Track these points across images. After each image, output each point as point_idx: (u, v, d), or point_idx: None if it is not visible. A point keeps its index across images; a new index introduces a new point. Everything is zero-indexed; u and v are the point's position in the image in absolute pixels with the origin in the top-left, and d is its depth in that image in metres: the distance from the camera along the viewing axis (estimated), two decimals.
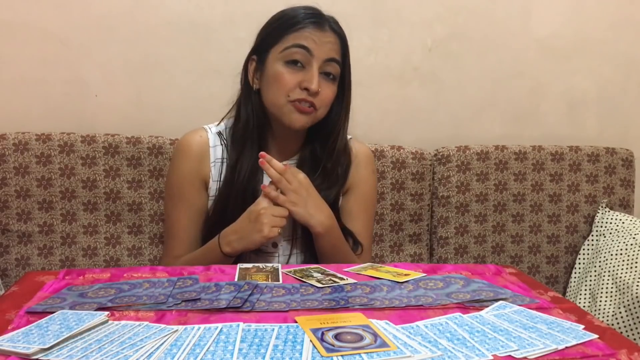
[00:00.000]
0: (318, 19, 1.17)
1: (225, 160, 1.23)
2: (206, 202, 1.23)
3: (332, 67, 1.17)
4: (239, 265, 1.03)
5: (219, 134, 1.25)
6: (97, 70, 1.56)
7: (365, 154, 1.31)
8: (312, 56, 1.14)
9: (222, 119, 1.27)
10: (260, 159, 1.14)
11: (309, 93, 1.13)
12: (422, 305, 0.86)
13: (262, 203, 1.12)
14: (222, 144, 1.24)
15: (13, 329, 0.74)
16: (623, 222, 1.59)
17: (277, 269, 1.02)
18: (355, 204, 1.27)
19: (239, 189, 1.18)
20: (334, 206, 1.24)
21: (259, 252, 1.21)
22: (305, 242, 1.22)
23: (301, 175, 1.15)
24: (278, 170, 1.13)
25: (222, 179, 1.22)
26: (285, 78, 1.14)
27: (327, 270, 1.02)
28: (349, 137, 1.30)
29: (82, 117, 1.57)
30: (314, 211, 1.14)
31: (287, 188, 1.12)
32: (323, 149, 1.23)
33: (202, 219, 1.23)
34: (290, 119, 1.15)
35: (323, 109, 1.18)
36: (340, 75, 1.20)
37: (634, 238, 1.53)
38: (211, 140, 1.24)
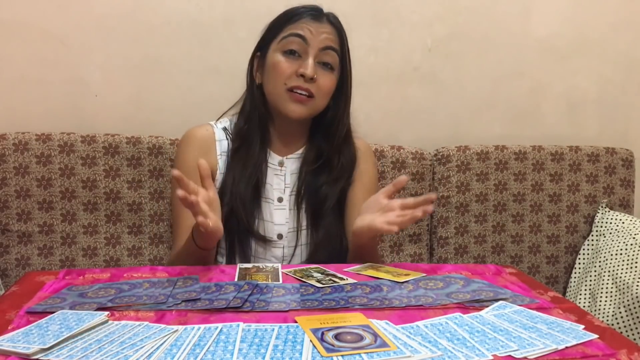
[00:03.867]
0: (316, 12, 1.20)
1: (230, 153, 1.24)
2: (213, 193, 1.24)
3: (330, 56, 1.19)
4: (239, 265, 1.03)
5: (224, 129, 1.27)
6: (97, 70, 1.56)
7: (364, 148, 1.33)
8: (308, 45, 1.17)
9: (224, 114, 1.29)
10: None
11: (305, 79, 1.15)
12: (422, 305, 0.86)
13: None
14: (227, 139, 1.25)
15: (13, 329, 0.74)
16: (623, 222, 1.59)
17: (277, 269, 1.02)
18: (360, 194, 1.28)
19: (243, 181, 1.19)
20: (341, 200, 1.26)
21: (265, 240, 1.22)
22: (309, 233, 1.24)
23: None
24: None
25: (227, 169, 1.23)
26: (283, 66, 1.17)
27: (327, 270, 1.02)
28: None
29: (82, 117, 1.57)
30: None
31: None
32: (326, 143, 1.25)
33: None
34: (287, 108, 1.18)
35: (321, 98, 1.20)
36: (340, 66, 1.21)
37: (634, 238, 1.53)
38: (217, 134, 1.26)
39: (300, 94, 1.17)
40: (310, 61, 1.16)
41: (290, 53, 1.18)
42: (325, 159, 1.24)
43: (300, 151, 1.27)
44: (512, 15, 1.71)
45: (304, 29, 1.17)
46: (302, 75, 1.15)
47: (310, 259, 1.23)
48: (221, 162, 1.24)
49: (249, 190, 1.19)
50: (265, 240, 1.22)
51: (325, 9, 1.23)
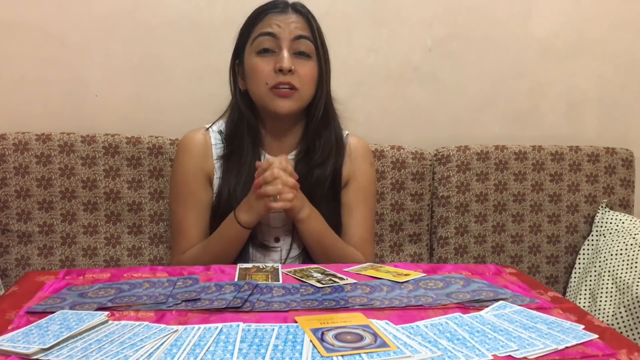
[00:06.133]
0: (280, 5, 1.21)
1: (223, 159, 1.24)
2: (212, 197, 1.24)
3: (303, 44, 1.19)
4: (239, 265, 1.03)
5: (220, 132, 1.27)
6: (97, 70, 1.56)
7: (362, 147, 1.32)
8: (279, 39, 1.17)
9: (220, 118, 1.29)
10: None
11: (284, 72, 1.15)
12: (422, 305, 0.86)
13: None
14: (223, 142, 1.25)
15: (13, 329, 0.74)
16: (623, 222, 1.59)
17: (277, 269, 1.02)
18: (353, 195, 1.28)
19: (239, 187, 1.19)
20: (334, 186, 1.25)
21: (263, 247, 1.23)
22: None
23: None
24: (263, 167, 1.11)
25: (222, 176, 1.23)
26: (260, 66, 1.18)
27: (327, 270, 1.02)
28: (345, 132, 1.31)
29: (82, 117, 1.57)
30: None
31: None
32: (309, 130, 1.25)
33: (209, 215, 1.24)
34: (275, 105, 1.17)
35: (305, 87, 1.19)
36: (317, 53, 1.21)
37: (634, 238, 1.53)
38: (213, 138, 1.26)
39: (284, 88, 1.16)
40: (285, 54, 1.16)
41: (264, 52, 1.18)
42: (309, 145, 1.23)
43: (294, 151, 1.26)
44: (512, 15, 1.71)
45: (272, 26, 1.18)
46: (281, 70, 1.15)
47: (307, 255, 1.23)
48: (217, 166, 1.24)
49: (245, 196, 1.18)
50: (263, 247, 1.23)
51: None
